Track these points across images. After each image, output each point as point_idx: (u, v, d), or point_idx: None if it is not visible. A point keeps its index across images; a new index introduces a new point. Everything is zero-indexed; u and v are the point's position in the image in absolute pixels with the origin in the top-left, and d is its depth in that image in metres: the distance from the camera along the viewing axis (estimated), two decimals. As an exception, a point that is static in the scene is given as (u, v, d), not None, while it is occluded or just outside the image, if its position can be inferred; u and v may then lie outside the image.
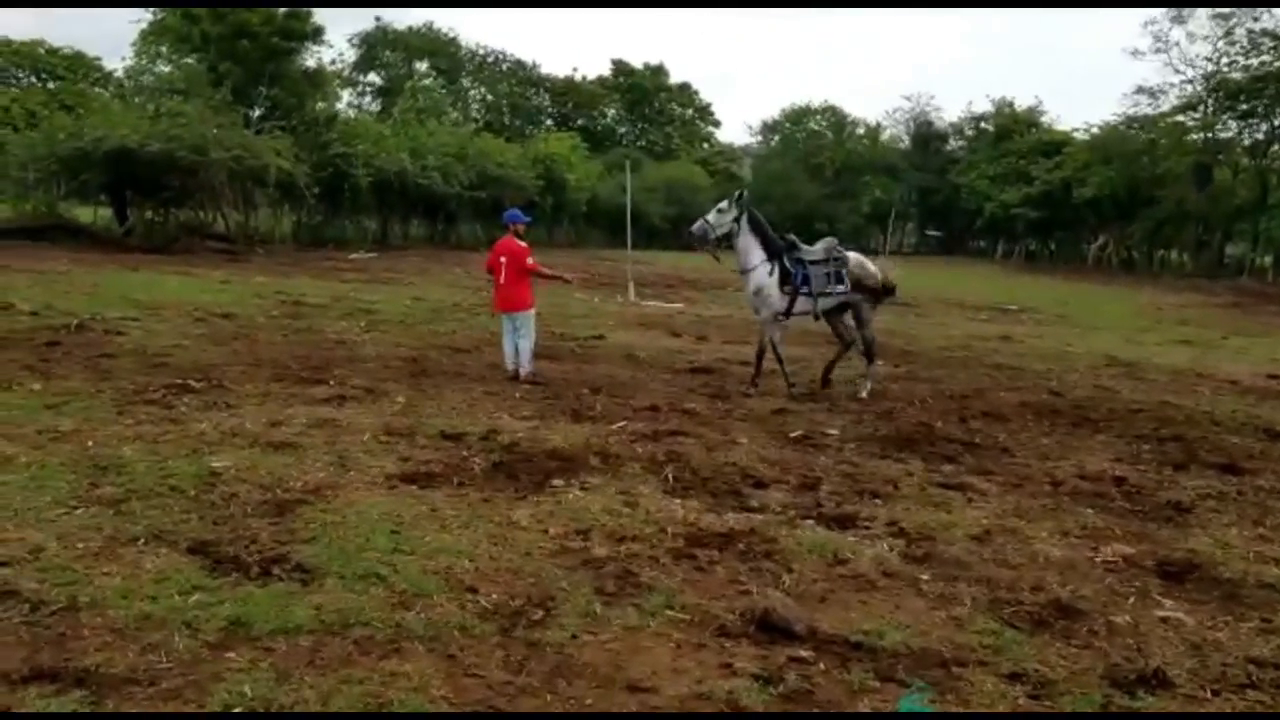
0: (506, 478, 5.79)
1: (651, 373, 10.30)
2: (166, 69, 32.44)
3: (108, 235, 25.86)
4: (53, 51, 49.28)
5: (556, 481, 5.68)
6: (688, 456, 6.43)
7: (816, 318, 9.83)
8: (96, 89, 40.86)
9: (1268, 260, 42.33)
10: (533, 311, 9.70)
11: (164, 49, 33.19)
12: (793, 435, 7.43)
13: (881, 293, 10.02)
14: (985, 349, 14.84)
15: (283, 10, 31.06)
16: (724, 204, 9.85)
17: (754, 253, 9.60)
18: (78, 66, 49.05)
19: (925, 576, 4.44)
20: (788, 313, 9.61)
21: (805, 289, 9.43)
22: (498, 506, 5.19)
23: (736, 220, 9.66)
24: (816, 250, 9.74)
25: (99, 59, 49.84)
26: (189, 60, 31.21)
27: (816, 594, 4.16)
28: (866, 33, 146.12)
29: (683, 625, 3.79)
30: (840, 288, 9.54)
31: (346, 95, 57.23)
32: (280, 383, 8.56)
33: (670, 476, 5.90)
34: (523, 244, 9.70)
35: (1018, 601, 4.18)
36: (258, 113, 31.35)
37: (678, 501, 5.40)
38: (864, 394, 9.48)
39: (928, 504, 5.65)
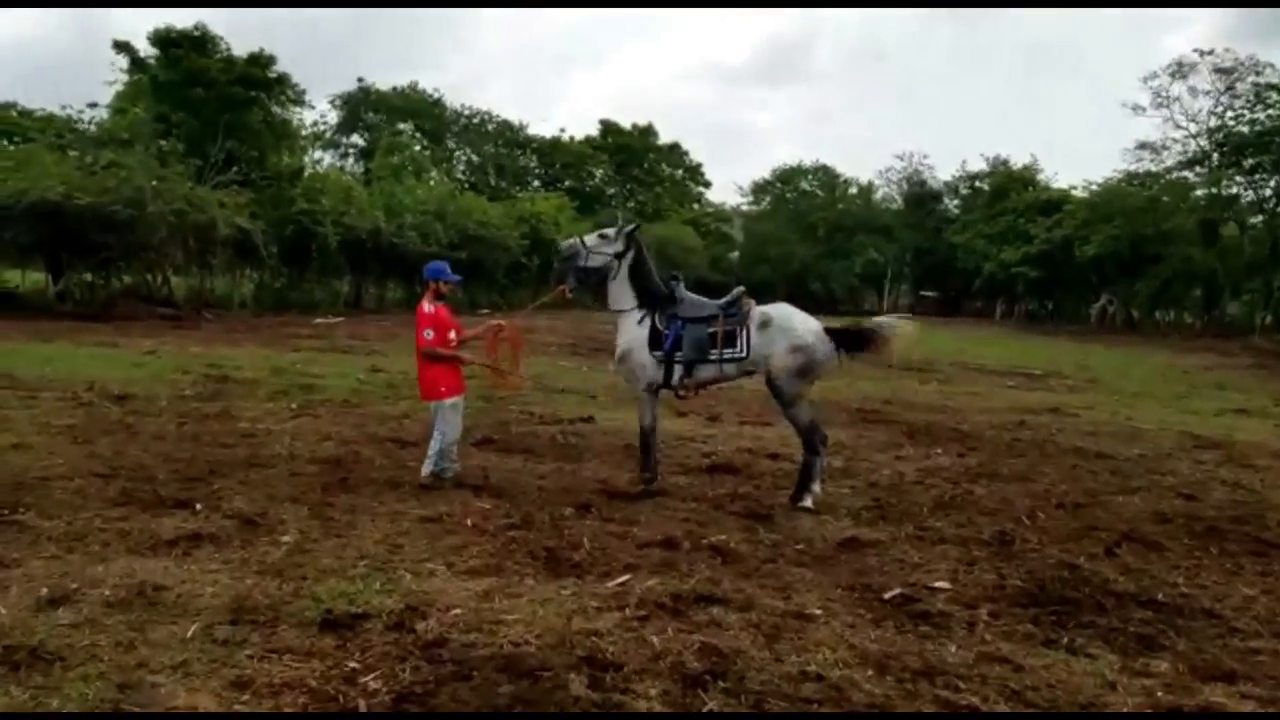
0: (415, 733, 3.13)
1: (659, 474, 7.61)
2: (104, 115, 30.17)
3: (37, 300, 23.27)
4: (26, 114, 47.17)
5: (506, 750, 3.02)
6: (738, 661, 3.76)
7: (681, 394, 7.22)
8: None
9: (1282, 319, 40.26)
10: (450, 401, 6.98)
11: (138, 109, 31.15)
12: (887, 596, 4.77)
13: (835, 356, 6.95)
14: (1044, 425, 12.34)
15: (243, 58, 29.06)
16: (610, 231, 7.30)
17: (625, 298, 7.24)
18: (49, 128, 46.94)
19: None
20: (665, 383, 7.08)
21: (677, 354, 6.97)
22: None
23: (619, 256, 7.19)
24: (708, 304, 7.14)
25: (70, 119, 47.94)
26: (136, 109, 28.89)
27: None
28: (856, 93, 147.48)
29: None
30: (731, 352, 6.92)
31: (328, 157, 55.51)
32: (121, 508, 5.87)
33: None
34: (430, 309, 6.99)
35: None
36: (217, 166, 29.10)
37: (744, 811, 2.73)
38: (808, 503, 6.72)
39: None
